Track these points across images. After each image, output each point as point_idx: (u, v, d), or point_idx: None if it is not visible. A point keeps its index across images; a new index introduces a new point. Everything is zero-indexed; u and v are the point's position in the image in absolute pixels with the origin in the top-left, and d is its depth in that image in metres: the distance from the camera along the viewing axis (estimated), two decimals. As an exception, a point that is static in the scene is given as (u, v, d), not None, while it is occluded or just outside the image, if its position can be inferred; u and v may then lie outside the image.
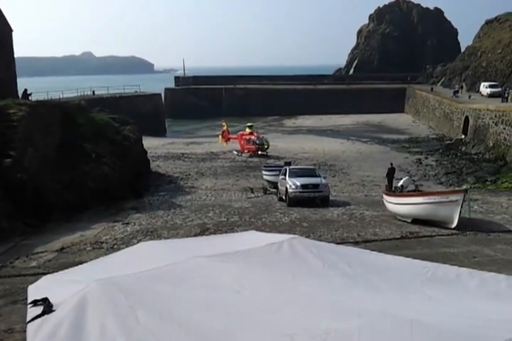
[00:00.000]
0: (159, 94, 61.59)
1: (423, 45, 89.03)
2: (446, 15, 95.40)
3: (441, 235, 12.71)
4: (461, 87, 54.06)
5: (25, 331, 3.65)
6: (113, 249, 11.77)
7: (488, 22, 65.19)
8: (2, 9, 27.22)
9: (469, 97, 45.92)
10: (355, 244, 11.33)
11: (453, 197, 13.26)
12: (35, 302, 3.78)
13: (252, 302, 3.50)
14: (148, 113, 50.45)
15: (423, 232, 13.12)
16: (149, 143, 34.75)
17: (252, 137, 37.06)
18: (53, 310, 3.53)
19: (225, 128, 41.68)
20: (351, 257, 4.55)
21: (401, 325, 2.87)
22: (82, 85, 57.11)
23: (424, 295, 3.73)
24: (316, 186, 18.61)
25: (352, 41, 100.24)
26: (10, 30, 28.03)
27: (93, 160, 20.12)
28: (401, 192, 15.73)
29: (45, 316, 3.47)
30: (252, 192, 22.34)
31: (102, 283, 3.65)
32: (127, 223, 15.34)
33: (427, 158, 33.86)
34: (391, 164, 22.49)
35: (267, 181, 23.55)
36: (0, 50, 26.11)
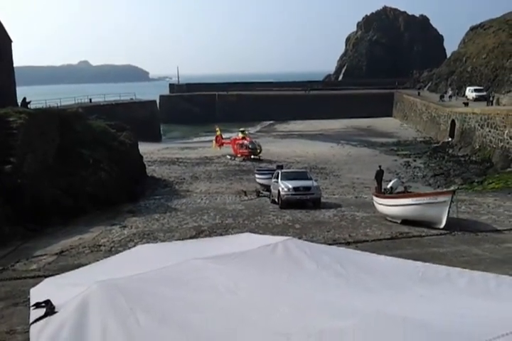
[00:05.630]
0: (154, 101, 62.38)
1: (410, 51, 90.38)
2: (431, 22, 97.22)
3: (431, 235, 12.87)
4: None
5: (26, 332, 3.77)
6: (111, 251, 11.88)
7: (472, 28, 66.51)
8: (2, 20, 27.59)
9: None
10: (347, 244, 11.54)
11: (441, 198, 13.46)
12: (37, 305, 3.84)
13: (248, 303, 3.54)
14: (144, 119, 50.71)
15: (413, 232, 13.28)
16: (145, 148, 34.91)
17: (245, 142, 37.43)
18: (56, 312, 3.59)
19: (218, 133, 42.13)
20: (344, 258, 4.63)
21: (394, 324, 2.90)
22: (79, 93, 57.26)
23: (416, 294, 3.77)
24: (307, 188, 18.86)
25: (341, 48, 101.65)
26: (9, 41, 28.26)
27: (91, 166, 20.25)
28: (390, 193, 15.90)
29: (48, 318, 3.53)
30: (246, 195, 22.49)
31: (103, 285, 3.70)
32: (124, 226, 15.49)
33: (415, 161, 34.29)
34: (379, 166, 22.86)
35: (260, 184, 23.78)
36: (0, 60, 26.38)
